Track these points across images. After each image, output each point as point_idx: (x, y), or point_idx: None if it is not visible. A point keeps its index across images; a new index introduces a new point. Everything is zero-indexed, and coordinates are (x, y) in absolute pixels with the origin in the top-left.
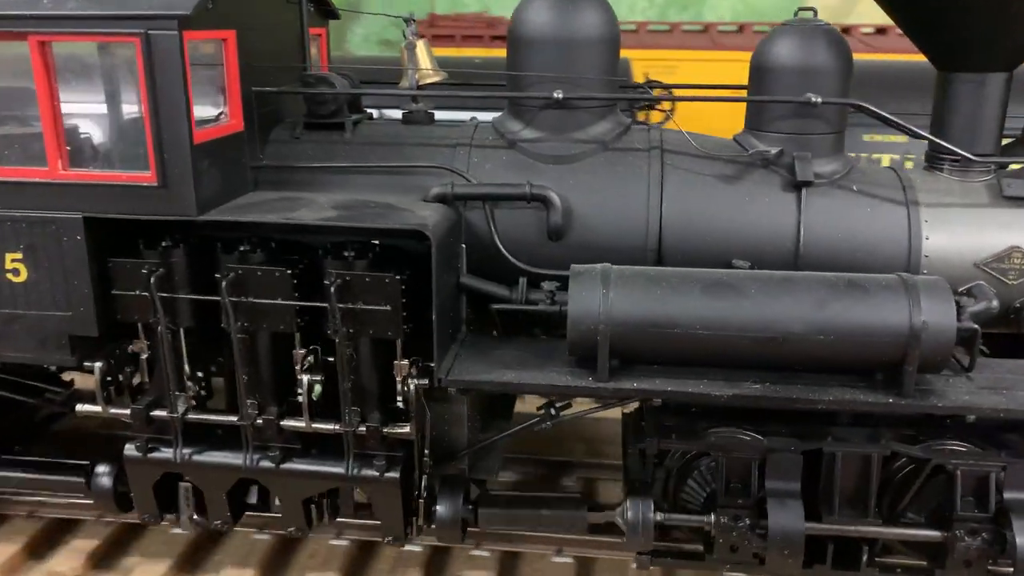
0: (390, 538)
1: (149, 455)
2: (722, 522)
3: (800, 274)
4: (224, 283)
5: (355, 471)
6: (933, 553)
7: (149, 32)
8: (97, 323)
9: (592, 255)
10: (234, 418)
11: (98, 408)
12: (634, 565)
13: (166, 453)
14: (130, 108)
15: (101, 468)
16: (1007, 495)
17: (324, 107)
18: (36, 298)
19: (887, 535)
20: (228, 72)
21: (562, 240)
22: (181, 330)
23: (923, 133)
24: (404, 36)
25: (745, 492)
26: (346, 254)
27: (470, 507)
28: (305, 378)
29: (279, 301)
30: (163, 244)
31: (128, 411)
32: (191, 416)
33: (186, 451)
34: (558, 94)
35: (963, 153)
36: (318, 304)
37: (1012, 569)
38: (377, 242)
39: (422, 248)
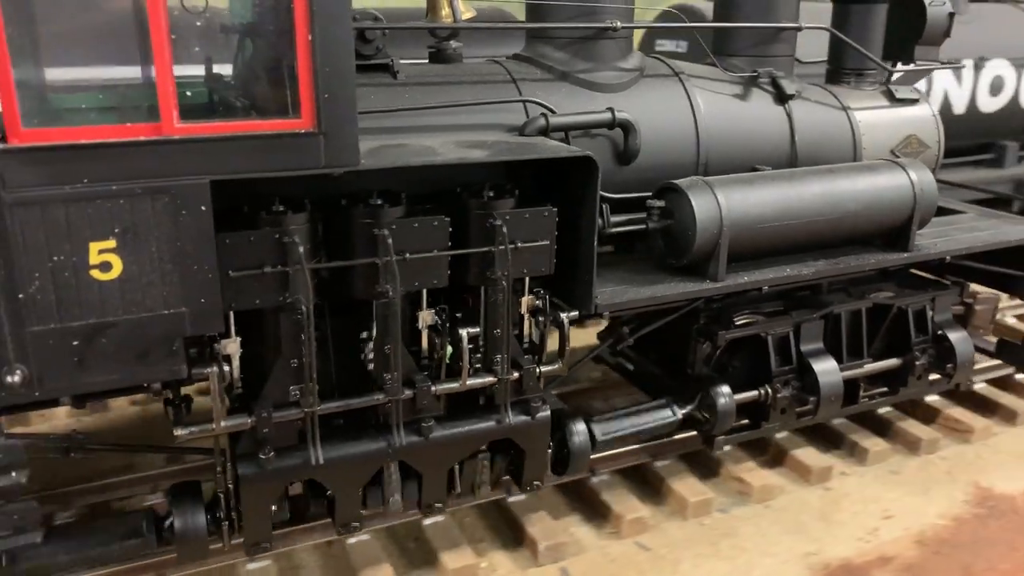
0: (532, 484)
1: (276, 466)
2: (778, 389)
3: (837, 166)
4: (390, 239)
5: (510, 420)
6: (893, 377)
7: None
8: (223, 315)
9: (656, 175)
10: (379, 396)
11: (210, 426)
12: (714, 452)
13: (296, 458)
14: (265, 35)
15: (185, 507)
16: (937, 318)
17: (369, 46)
18: (135, 298)
19: (882, 368)
20: None
21: (630, 164)
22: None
23: (872, 56)
24: None
25: (787, 361)
26: (487, 194)
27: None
28: (464, 332)
29: (436, 253)
30: (285, 206)
31: (249, 419)
32: (325, 407)
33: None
34: (615, 23)
35: (888, 68)
36: (482, 250)
37: (953, 372)
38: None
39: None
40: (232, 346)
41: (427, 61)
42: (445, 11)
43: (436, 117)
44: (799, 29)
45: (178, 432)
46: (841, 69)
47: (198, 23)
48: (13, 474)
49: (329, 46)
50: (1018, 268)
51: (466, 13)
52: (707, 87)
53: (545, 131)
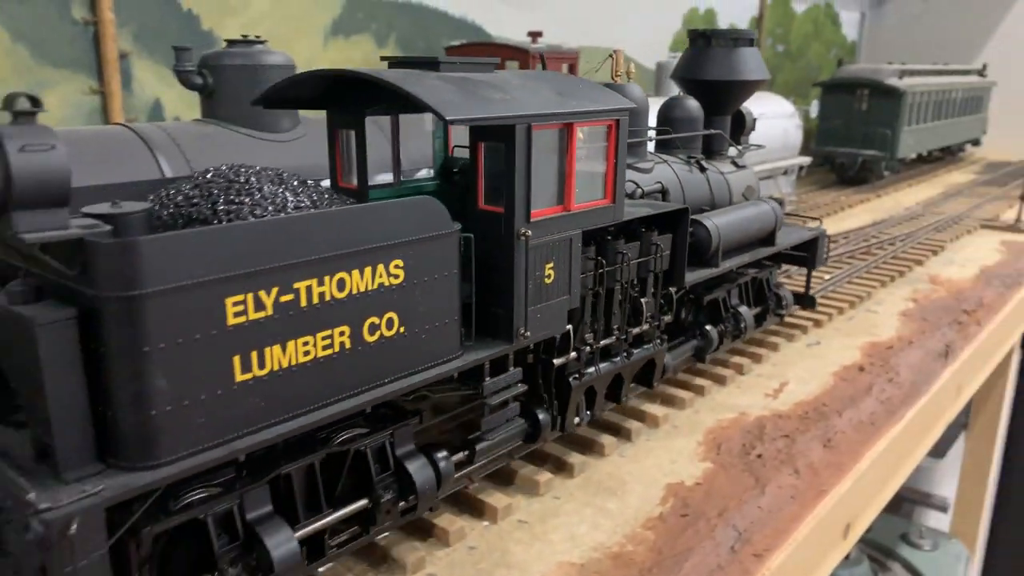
0: (659, 378)
1: (586, 379)
2: (728, 320)
3: (745, 203)
4: (628, 254)
5: (655, 348)
6: (759, 316)
7: (619, 119)
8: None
9: None
10: (612, 339)
11: (564, 358)
12: (705, 362)
13: (589, 375)
14: (597, 162)
15: (540, 409)
16: (772, 282)
17: None
18: (555, 291)
19: (755, 311)
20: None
21: None
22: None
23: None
24: None
25: (727, 309)
26: (644, 229)
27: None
28: (644, 301)
29: (636, 260)
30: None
31: (576, 353)
32: (603, 343)
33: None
34: (650, 134)
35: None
36: (649, 257)
37: (784, 312)
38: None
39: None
40: None
41: None
42: None
43: None
44: (708, 134)
45: (556, 361)
46: (711, 150)
47: (583, 156)
48: (519, 384)
49: (621, 159)
50: (805, 251)
51: None
52: (677, 167)
53: (643, 196)
